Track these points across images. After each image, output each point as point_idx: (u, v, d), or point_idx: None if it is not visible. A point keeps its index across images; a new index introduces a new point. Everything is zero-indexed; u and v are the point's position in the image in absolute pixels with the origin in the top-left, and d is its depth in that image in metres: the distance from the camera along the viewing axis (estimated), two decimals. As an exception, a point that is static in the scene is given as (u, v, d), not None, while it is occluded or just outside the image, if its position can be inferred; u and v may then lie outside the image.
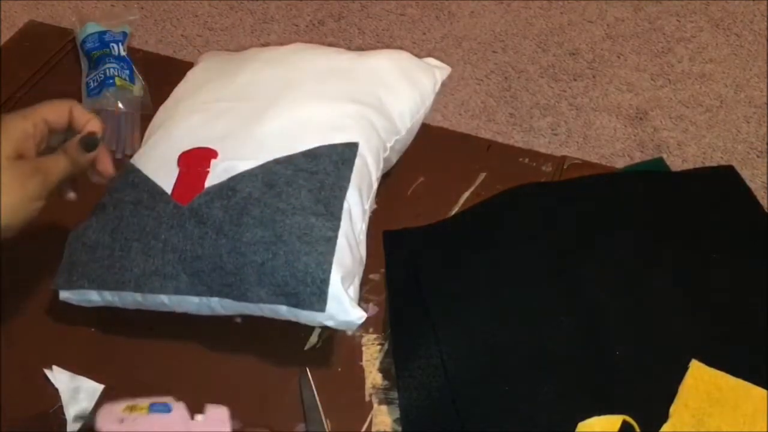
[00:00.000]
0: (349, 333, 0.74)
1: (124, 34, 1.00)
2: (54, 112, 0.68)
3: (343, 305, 0.67)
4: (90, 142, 0.69)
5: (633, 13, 2.02)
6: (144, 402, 0.58)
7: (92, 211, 0.75)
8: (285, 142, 0.74)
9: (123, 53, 0.96)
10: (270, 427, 0.66)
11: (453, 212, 0.82)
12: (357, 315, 0.67)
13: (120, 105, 0.92)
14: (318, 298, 0.67)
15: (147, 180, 0.74)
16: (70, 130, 0.70)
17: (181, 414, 0.58)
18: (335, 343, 0.73)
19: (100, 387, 0.70)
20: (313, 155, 0.73)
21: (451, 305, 0.73)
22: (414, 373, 0.69)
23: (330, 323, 0.68)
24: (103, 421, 0.57)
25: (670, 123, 1.77)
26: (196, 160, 0.74)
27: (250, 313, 0.71)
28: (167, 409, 0.58)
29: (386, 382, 0.70)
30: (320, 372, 0.71)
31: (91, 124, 0.69)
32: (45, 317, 0.76)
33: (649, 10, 2.03)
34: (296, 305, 0.68)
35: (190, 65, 0.91)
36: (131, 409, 0.58)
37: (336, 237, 0.69)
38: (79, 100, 0.93)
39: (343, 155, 0.74)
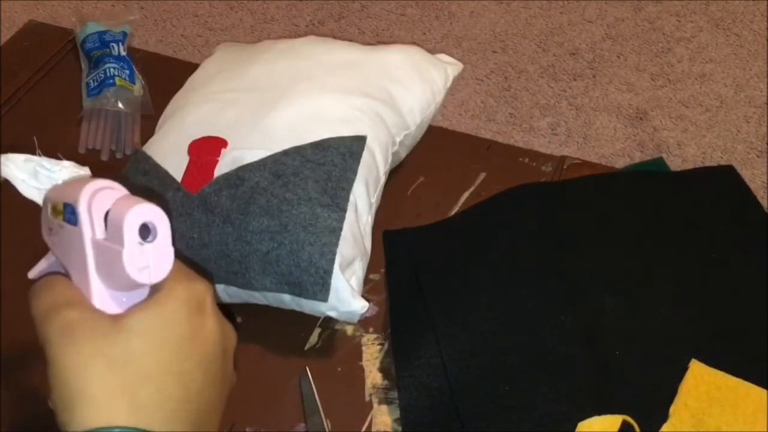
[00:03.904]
0: (349, 333, 0.74)
1: (124, 34, 1.00)
2: None
3: (346, 295, 0.68)
4: None
5: (633, 13, 2.02)
6: (60, 199, 0.44)
7: None
8: (294, 133, 0.74)
9: (123, 53, 0.96)
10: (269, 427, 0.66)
11: (453, 212, 0.82)
12: (359, 305, 0.68)
13: (120, 105, 0.92)
14: (321, 288, 0.67)
15: (158, 167, 0.75)
16: None
17: (88, 223, 0.42)
18: (335, 343, 0.73)
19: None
20: (321, 146, 0.73)
21: (451, 305, 0.73)
22: (414, 373, 0.69)
23: (332, 313, 0.69)
24: (42, 221, 0.47)
25: (670, 123, 1.77)
26: (206, 149, 0.74)
27: (255, 302, 0.72)
28: (74, 217, 0.42)
29: (386, 382, 0.70)
30: (320, 372, 0.71)
31: None
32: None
33: (649, 10, 2.03)
34: (299, 294, 0.68)
35: (190, 65, 0.91)
36: (54, 209, 0.45)
37: (341, 228, 0.69)
38: (79, 100, 0.94)
39: (351, 148, 0.74)
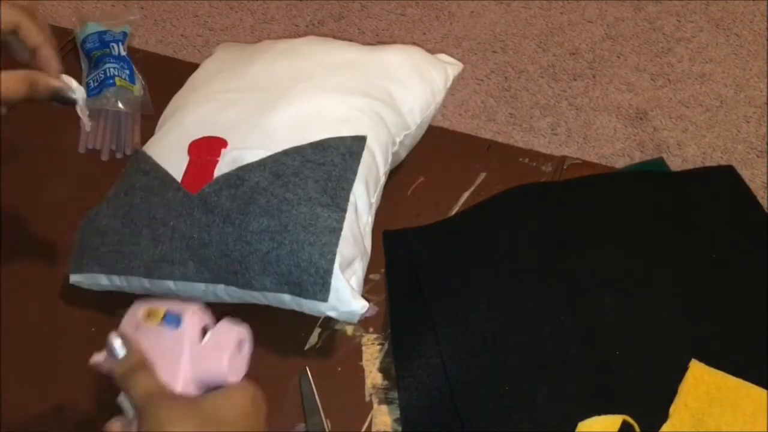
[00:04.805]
0: (349, 333, 0.74)
1: (124, 34, 1.00)
2: None
3: (346, 295, 0.68)
4: (64, 99, 0.64)
5: (633, 13, 2.02)
6: (162, 307, 0.58)
7: (104, 196, 0.76)
8: (294, 133, 0.74)
9: (123, 53, 0.96)
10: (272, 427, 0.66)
11: (453, 212, 0.82)
12: (359, 305, 0.68)
13: (120, 105, 0.92)
14: (321, 288, 0.67)
15: (158, 167, 0.75)
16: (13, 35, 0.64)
17: (190, 330, 0.56)
18: (335, 343, 0.73)
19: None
20: (321, 146, 0.73)
21: (451, 305, 0.73)
22: (414, 373, 0.69)
23: (332, 313, 0.69)
24: (125, 321, 0.59)
25: (670, 123, 1.77)
26: (206, 149, 0.74)
27: (254, 302, 0.72)
28: (177, 322, 0.57)
29: (386, 382, 0.70)
30: (320, 372, 0.71)
31: (60, 77, 0.64)
32: (45, 315, 0.76)
33: (649, 10, 2.03)
34: (299, 294, 0.68)
35: (190, 65, 0.91)
36: (149, 314, 0.58)
37: (341, 228, 0.69)
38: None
39: (351, 148, 0.74)
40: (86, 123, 0.67)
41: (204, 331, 0.57)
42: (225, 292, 0.71)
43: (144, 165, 0.76)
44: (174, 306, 0.58)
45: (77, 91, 0.65)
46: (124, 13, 1.04)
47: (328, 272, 0.67)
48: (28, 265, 0.80)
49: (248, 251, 0.69)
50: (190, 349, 0.56)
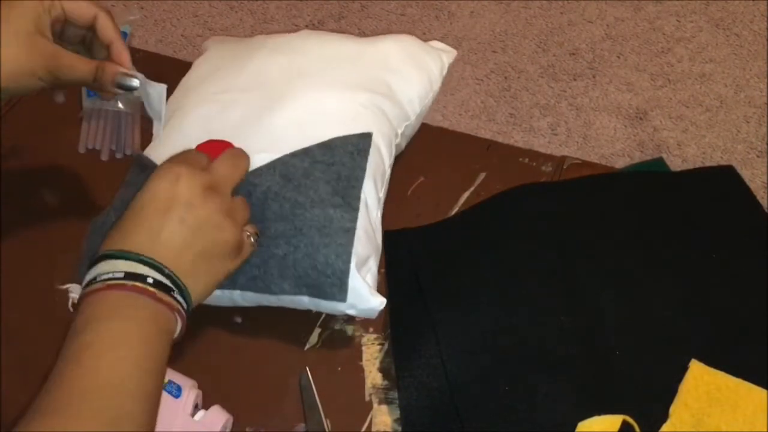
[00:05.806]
0: (349, 333, 0.74)
1: (124, 34, 0.99)
2: (77, 6, 0.70)
3: (363, 293, 0.68)
4: (127, 86, 0.71)
5: (633, 13, 2.02)
6: (166, 376, 0.63)
7: (110, 204, 0.75)
8: (299, 133, 0.74)
9: (123, 53, 0.96)
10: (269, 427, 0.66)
11: (453, 212, 0.82)
12: (377, 302, 0.68)
13: (120, 105, 0.92)
14: (339, 289, 0.68)
15: None
16: (91, 31, 0.72)
17: (186, 404, 0.64)
18: (335, 343, 0.73)
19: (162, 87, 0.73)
20: (328, 147, 0.73)
21: (451, 305, 0.73)
22: (414, 373, 0.69)
23: (352, 312, 0.69)
24: None
25: (670, 123, 1.77)
26: (212, 153, 0.74)
27: (268, 305, 0.72)
28: (178, 392, 0.64)
29: (386, 382, 0.70)
30: (320, 372, 0.71)
31: (127, 63, 0.72)
32: (46, 316, 0.76)
33: (649, 10, 2.03)
34: (318, 296, 0.69)
35: (190, 65, 0.91)
36: None
37: (354, 228, 0.69)
38: (79, 101, 0.94)
39: (358, 146, 0.74)
40: (153, 87, 0.73)
41: (195, 406, 0.65)
42: (241, 297, 0.71)
43: (150, 172, 0.75)
44: (175, 377, 0.65)
45: (138, 77, 0.72)
46: (124, 13, 1.04)
47: (345, 273, 0.68)
48: (28, 266, 0.80)
49: (267, 256, 0.68)
50: (183, 420, 0.63)
